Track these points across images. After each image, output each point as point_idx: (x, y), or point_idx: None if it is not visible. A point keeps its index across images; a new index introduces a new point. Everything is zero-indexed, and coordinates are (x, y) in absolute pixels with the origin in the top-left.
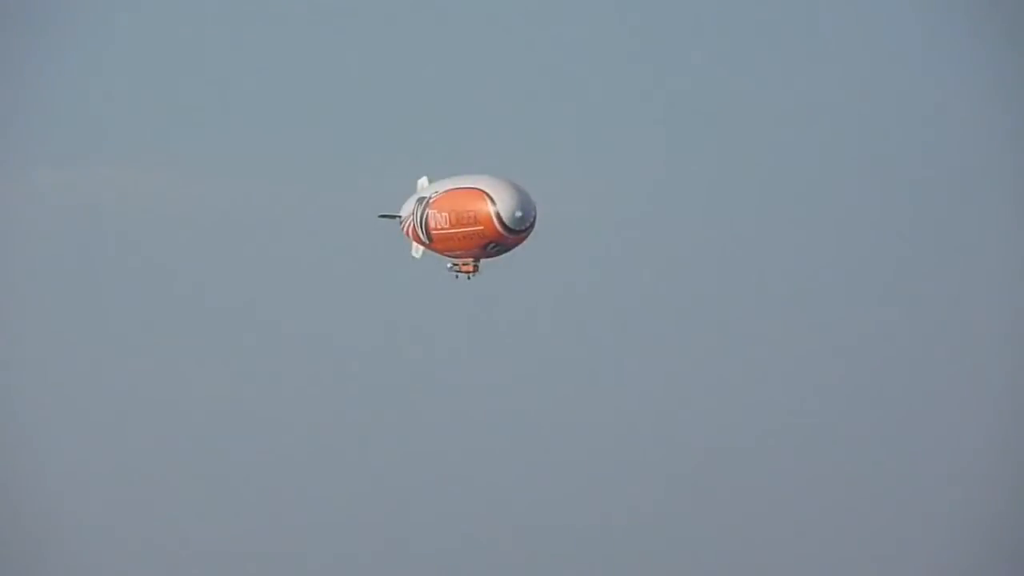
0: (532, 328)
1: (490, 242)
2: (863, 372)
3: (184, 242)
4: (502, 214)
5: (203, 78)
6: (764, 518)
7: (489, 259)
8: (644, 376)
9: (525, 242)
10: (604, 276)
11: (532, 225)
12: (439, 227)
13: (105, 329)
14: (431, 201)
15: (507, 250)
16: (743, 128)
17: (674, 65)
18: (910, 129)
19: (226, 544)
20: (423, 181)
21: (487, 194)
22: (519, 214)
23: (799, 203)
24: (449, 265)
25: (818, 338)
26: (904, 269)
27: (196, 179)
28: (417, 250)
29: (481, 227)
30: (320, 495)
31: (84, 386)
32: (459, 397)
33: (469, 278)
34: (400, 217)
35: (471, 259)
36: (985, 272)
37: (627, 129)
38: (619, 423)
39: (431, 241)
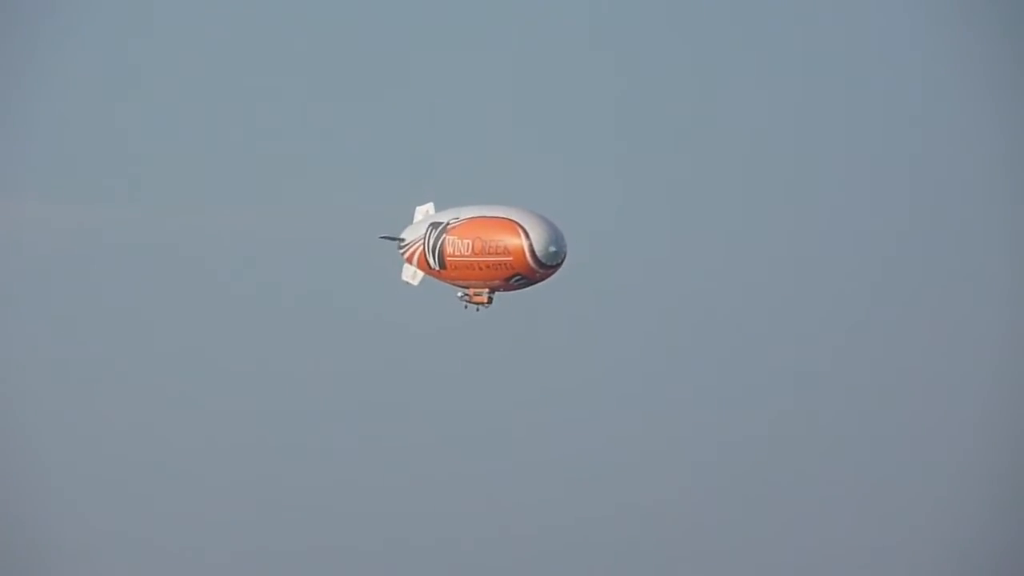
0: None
1: (516, 274)
2: (874, 377)
3: (177, 272)
4: (536, 248)
5: (193, 98)
6: (769, 525)
7: (504, 292)
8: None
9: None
10: (621, 304)
11: (563, 261)
12: (458, 254)
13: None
14: (450, 227)
15: (531, 284)
16: (743, 135)
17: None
18: (909, 129)
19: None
20: (428, 207)
21: (520, 226)
22: (553, 249)
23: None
24: (460, 294)
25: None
26: (904, 269)
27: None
28: (415, 276)
29: (510, 258)
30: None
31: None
32: (463, 425)
33: (478, 310)
34: (402, 240)
35: (485, 290)
36: (984, 272)
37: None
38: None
39: (443, 268)
